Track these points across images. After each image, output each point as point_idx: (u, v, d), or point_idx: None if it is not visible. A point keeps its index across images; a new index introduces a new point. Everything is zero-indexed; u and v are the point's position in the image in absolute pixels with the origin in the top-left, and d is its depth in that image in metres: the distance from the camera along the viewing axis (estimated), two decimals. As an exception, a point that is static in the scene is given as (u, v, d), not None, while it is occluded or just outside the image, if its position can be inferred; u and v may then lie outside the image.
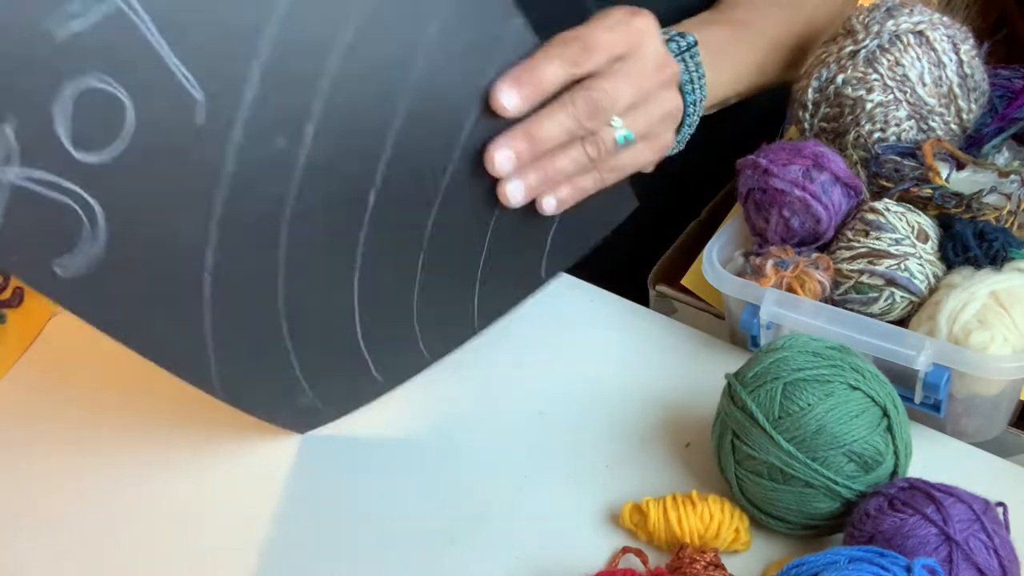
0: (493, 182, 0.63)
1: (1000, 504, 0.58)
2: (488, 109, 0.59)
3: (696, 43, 0.76)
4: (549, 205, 0.66)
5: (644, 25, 0.67)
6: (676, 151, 0.79)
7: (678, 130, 0.75)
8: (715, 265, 0.73)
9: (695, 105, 0.76)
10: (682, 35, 0.76)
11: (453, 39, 0.55)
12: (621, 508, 0.64)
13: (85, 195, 0.46)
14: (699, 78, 0.76)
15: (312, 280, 0.57)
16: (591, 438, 0.71)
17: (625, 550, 0.62)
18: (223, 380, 0.60)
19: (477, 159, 0.60)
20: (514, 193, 0.64)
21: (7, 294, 0.80)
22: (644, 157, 0.69)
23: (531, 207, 0.66)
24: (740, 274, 0.73)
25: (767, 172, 0.73)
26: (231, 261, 0.52)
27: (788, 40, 0.86)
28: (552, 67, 0.62)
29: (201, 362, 0.56)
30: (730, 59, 0.81)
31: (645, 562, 0.61)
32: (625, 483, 0.67)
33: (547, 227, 0.68)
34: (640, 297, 0.83)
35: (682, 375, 0.74)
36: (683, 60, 0.75)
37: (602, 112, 0.64)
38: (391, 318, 0.66)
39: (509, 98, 0.60)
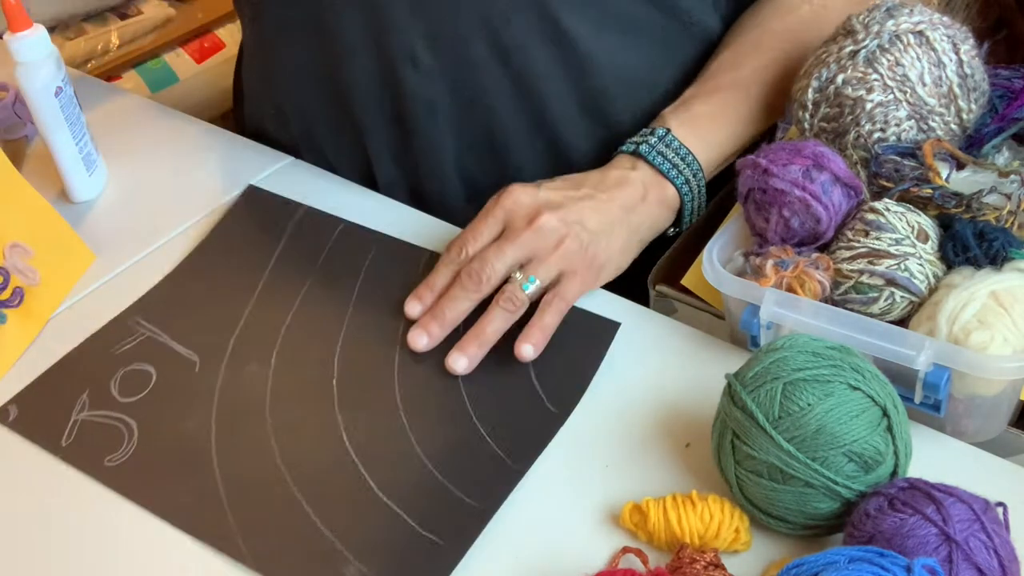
0: (441, 369, 0.74)
1: (1000, 504, 0.58)
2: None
3: (668, 131, 0.83)
4: (526, 351, 0.73)
5: (506, 199, 0.77)
6: (688, 225, 0.85)
7: (681, 211, 0.83)
8: (715, 265, 0.73)
9: (688, 183, 0.82)
10: (651, 131, 0.83)
11: (378, 278, 0.82)
12: (621, 508, 0.64)
13: (126, 418, 0.74)
14: (682, 158, 0.82)
15: (302, 442, 0.71)
16: (591, 438, 0.71)
17: (625, 550, 0.62)
18: (246, 538, 0.66)
19: (411, 352, 0.76)
20: (458, 360, 0.73)
21: (7, 294, 0.80)
22: (576, 287, 0.76)
23: (492, 378, 0.74)
24: (740, 274, 0.73)
25: (767, 172, 0.73)
26: (229, 437, 0.72)
27: (796, 72, 0.85)
28: (439, 272, 0.78)
29: (222, 522, 0.67)
30: (724, 120, 0.86)
31: (645, 562, 0.61)
32: (625, 483, 0.67)
33: (525, 374, 0.74)
34: (640, 297, 0.83)
35: (682, 375, 0.74)
36: (659, 153, 0.82)
37: (484, 276, 0.75)
38: (413, 480, 0.68)
39: (412, 307, 0.77)
